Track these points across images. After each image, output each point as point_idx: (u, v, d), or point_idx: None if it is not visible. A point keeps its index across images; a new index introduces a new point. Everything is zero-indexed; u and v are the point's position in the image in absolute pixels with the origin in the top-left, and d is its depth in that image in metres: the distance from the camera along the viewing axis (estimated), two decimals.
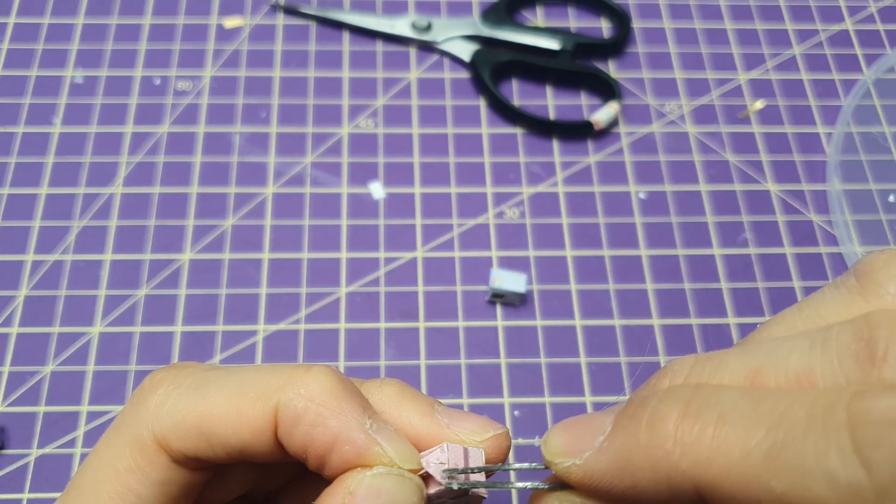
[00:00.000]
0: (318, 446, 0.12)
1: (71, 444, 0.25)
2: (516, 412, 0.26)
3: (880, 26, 0.35)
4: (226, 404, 0.12)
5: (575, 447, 0.11)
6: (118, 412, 0.25)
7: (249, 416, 0.12)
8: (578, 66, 0.33)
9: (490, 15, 0.34)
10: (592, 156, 0.32)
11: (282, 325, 0.28)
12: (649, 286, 0.29)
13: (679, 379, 0.11)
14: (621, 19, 0.34)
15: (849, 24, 0.35)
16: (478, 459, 0.13)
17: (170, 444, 0.12)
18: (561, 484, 0.12)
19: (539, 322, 0.28)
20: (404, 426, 0.13)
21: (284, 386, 0.12)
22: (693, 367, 0.11)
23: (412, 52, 0.34)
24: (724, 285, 0.29)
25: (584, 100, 0.33)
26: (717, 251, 0.30)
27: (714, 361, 0.11)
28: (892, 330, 0.09)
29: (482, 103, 0.33)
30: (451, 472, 0.13)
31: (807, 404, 0.09)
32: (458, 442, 0.13)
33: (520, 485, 0.12)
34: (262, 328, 0.28)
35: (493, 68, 0.33)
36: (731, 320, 0.28)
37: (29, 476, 0.25)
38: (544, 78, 0.33)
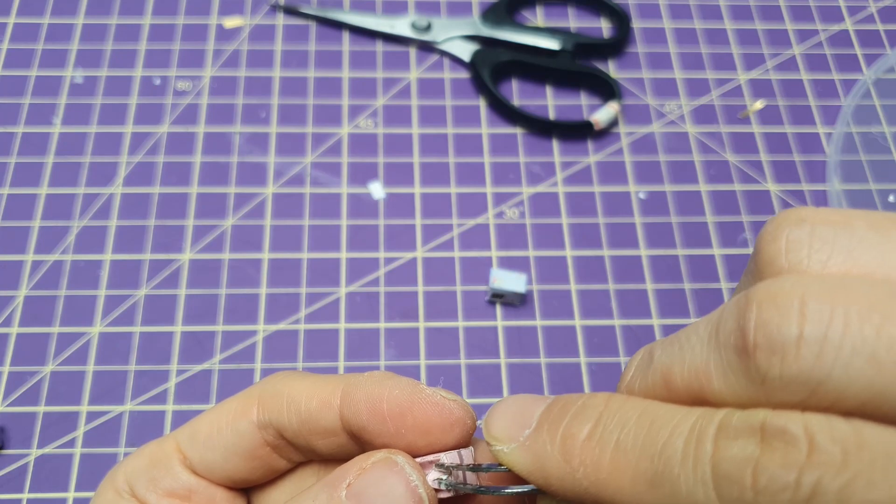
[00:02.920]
0: (373, 403, 0.14)
1: (71, 444, 0.25)
2: None
3: (880, 26, 0.35)
4: (311, 385, 0.15)
5: (507, 433, 0.12)
6: (119, 412, 0.26)
7: (323, 391, 0.14)
8: (578, 66, 0.33)
9: (490, 15, 0.34)
10: (592, 156, 0.32)
11: (282, 325, 0.28)
12: (649, 286, 0.29)
13: (630, 371, 0.12)
14: (621, 19, 0.34)
15: (849, 24, 0.35)
16: (468, 457, 0.14)
17: (264, 404, 0.15)
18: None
19: (539, 322, 0.28)
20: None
21: (353, 376, 0.14)
22: (638, 362, 0.12)
23: (412, 52, 0.34)
24: (724, 285, 0.29)
25: (583, 100, 0.33)
26: (716, 251, 0.30)
27: (649, 357, 0.12)
28: (763, 308, 0.09)
29: (482, 103, 0.33)
30: (452, 485, 0.13)
31: (685, 432, 0.10)
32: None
33: (515, 489, 0.13)
34: (262, 328, 0.28)
35: (493, 68, 0.33)
36: None
37: (29, 476, 0.25)
38: (544, 78, 0.33)
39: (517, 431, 0.12)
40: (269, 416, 0.14)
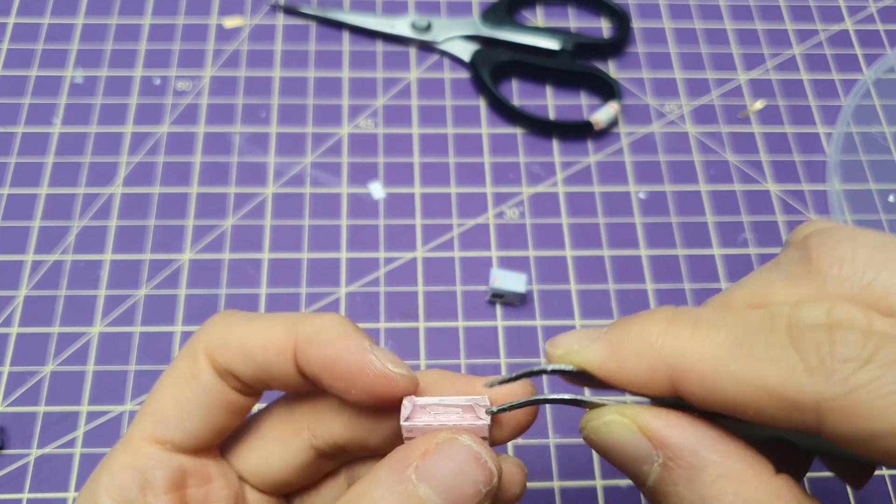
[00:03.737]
0: (326, 363, 0.14)
1: (71, 444, 0.25)
2: None
3: (880, 26, 0.35)
4: (261, 331, 0.14)
5: (576, 342, 0.14)
6: (119, 412, 0.26)
7: (276, 339, 0.14)
8: (578, 66, 0.33)
9: (490, 15, 0.34)
10: (592, 156, 0.32)
11: None
12: (649, 286, 0.29)
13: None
14: (621, 19, 0.34)
15: (849, 24, 0.35)
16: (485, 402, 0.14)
17: (216, 358, 0.15)
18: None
19: (539, 322, 0.28)
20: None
21: (304, 320, 0.14)
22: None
23: (412, 52, 0.34)
24: (725, 285, 0.29)
25: (583, 100, 0.33)
26: (716, 251, 0.30)
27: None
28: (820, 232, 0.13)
29: (482, 103, 0.33)
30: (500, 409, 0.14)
31: (760, 314, 0.12)
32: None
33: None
34: None
35: (493, 68, 0.33)
36: None
37: (29, 476, 0.25)
38: (544, 78, 0.33)
39: (586, 339, 0.14)
40: (227, 367, 0.14)
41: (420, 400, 0.14)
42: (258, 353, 0.14)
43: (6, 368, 0.26)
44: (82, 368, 0.27)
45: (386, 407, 0.14)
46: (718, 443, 0.12)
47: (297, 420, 0.15)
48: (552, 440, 0.26)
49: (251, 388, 0.15)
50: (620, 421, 0.13)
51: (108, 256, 0.29)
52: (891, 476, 0.26)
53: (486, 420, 0.14)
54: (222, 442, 0.16)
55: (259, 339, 0.14)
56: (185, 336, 0.27)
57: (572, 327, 0.28)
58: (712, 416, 0.12)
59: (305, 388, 0.15)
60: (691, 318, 0.12)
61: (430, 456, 0.13)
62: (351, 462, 0.16)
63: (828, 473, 0.25)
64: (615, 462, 0.13)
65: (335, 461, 0.16)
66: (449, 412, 0.14)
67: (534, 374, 0.14)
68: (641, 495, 0.25)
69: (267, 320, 0.15)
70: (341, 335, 0.14)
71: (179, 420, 0.14)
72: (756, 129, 0.33)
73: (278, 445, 0.15)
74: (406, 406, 0.14)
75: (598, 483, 0.25)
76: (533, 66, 0.33)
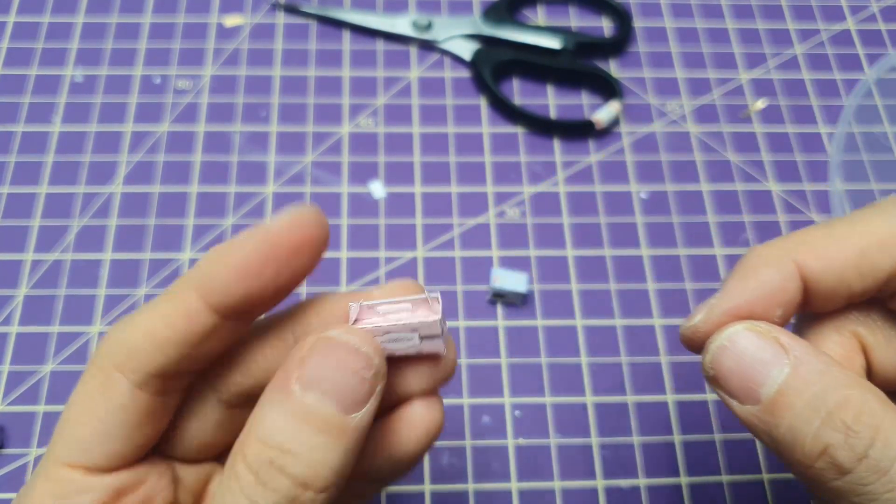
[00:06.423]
0: (244, 265, 0.13)
1: None
2: (517, 412, 0.26)
3: (882, 26, 0.35)
4: (160, 312, 0.13)
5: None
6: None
7: (182, 306, 0.13)
8: (579, 66, 0.33)
9: (491, 14, 0.34)
10: (593, 155, 0.32)
11: None
12: (650, 286, 0.29)
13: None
14: (622, 18, 0.34)
15: (851, 24, 0.35)
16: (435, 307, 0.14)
17: (125, 367, 0.13)
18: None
19: (540, 322, 0.28)
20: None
21: (201, 275, 0.14)
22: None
23: (413, 50, 0.34)
24: None
25: (585, 99, 0.33)
26: (718, 251, 0.30)
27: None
28: None
29: (483, 102, 0.33)
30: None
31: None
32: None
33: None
34: None
35: (494, 68, 0.33)
36: None
37: (28, 475, 0.25)
38: (545, 77, 0.33)
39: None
40: (146, 371, 0.13)
41: (367, 301, 0.14)
42: (170, 335, 0.13)
43: (6, 368, 0.26)
44: (82, 368, 0.26)
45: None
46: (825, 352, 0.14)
47: (197, 383, 0.15)
48: (553, 440, 0.26)
49: (176, 378, 0.14)
50: (753, 328, 0.14)
51: (107, 256, 0.29)
52: None
53: (438, 315, 0.13)
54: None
55: (164, 319, 0.13)
56: None
57: (573, 327, 0.28)
58: None
59: (233, 336, 0.14)
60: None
61: (305, 363, 0.13)
62: None
63: None
64: (737, 373, 0.14)
65: (251, 407, 0.15)
66: (400, 310, 0.13)
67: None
68: (643, 494, 0.25)
69: (154, 303, 0.14)
70: (231, 246, 0.13)
71: (98, 444, 0.13)
72: (758, 128, 0.33)
73: (188, 415, 0.15)
74: (353, 308, 0.13)
75: (599, 483, 0.25)
76: (534, 65, 0.33)
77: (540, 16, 0.35)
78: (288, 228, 0.14)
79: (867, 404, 0.12)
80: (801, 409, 0.13)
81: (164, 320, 0.13)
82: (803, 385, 0.13)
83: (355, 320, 0.14)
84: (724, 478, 0.25)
